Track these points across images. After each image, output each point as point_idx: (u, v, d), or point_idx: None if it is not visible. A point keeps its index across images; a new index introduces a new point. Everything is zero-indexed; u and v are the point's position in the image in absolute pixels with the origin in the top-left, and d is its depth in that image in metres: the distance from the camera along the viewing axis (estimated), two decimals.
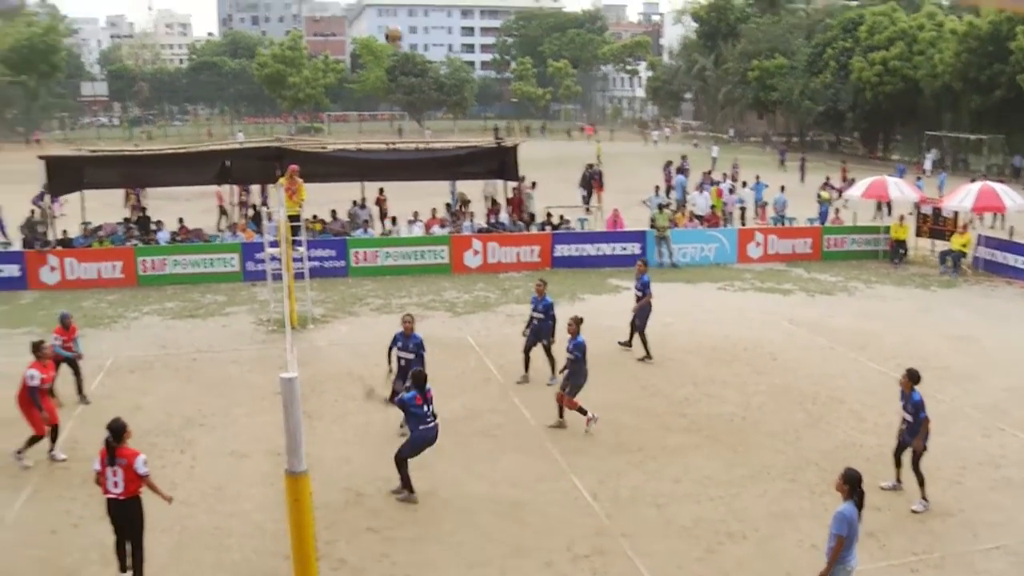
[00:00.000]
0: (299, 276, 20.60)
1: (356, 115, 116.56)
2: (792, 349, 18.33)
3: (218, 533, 10.09)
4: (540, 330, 16.60)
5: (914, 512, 11.92)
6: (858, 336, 19.98)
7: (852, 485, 8.86)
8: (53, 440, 13.35)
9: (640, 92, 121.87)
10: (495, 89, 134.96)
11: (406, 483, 12.18)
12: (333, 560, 10.58)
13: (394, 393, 13.13)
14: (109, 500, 9.81)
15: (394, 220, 28.37)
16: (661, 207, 28.42)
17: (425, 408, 12.05)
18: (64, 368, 15.31)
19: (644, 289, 18.00)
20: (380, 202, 31.25)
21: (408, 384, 12.34)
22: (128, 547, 9.94)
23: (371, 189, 30.38)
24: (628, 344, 18.56)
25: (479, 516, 11.82)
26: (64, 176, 26.91)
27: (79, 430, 14.19)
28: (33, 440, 13.07)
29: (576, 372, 14.45)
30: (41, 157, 27.03)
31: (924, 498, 12.02)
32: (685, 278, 25.44)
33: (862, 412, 15.20)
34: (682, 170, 40.93)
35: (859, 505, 8.83)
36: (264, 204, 30.99)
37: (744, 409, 15.28)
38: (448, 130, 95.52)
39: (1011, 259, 26.20)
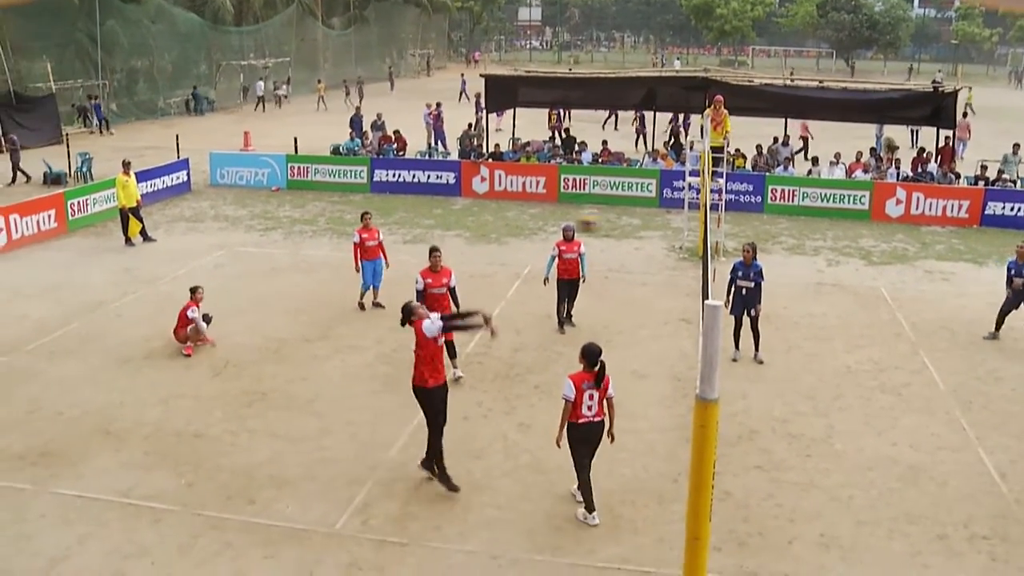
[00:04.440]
0: (715, 208, 20.67)
1: (781, 51, 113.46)
2: None
3: (612, 448, 10.52)
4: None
5: None
6: None
7: None
8: (451, 356, 13.41)
9: None
10: (933, 29, 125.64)
11: None
12: (719, 491, 10.58)
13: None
14: (583, 424, 9.96)
15: (815, 160, 27.56)
16: None
17: None
18: None
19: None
20: (803, 138, 30.68)
21: None
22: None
23: (794, 127, 29.65)
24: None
25: (873, 473, 11.41)
26: (501, 94, 28.72)
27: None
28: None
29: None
30: (483, 75, 29.03)
31: None
32: None
33: None
34: None
35: None
36: (685, 133, 31.39)
37: None
38: (877, 71, 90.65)
39: None
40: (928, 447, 12.15)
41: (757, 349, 14.77)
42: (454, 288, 13.71)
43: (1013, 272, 15.78)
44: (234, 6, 54.62)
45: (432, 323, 10.28)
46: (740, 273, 14.53)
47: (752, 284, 14.49)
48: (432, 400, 10.61)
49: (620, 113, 38.13)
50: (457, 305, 13.43)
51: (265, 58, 55.55)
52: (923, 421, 12.92)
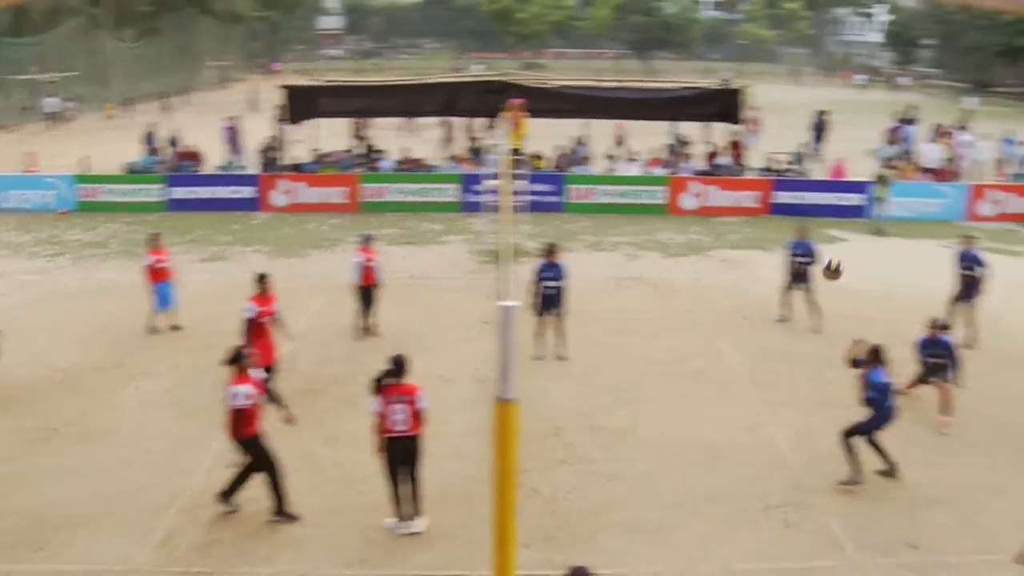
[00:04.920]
0: (515, 209, 20.89)
1: (580, 53, 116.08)
2: (1013, 312, 17.20)
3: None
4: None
5: None
6: None
7: None
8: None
9: (872, 37, 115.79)
10: (722, 30, 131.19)
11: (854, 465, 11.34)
12: (527, 488, 10.77)
13: None
14: (393, 438, 9.92)
15: (611, 158, 28.28)
16: (879, 177, 25.55)
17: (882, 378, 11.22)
18: None
19: (973, 264, 15.82)
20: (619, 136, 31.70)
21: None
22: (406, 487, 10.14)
23: (593, 126, 30.27)
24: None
25: (674, 458, 11.81)
26: (301, 104, 28.20)
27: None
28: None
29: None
30: (282, 86, 28.47)
31: None
32: (906, 232, 24.12)
33: None
34: (911, 120, 38.83)
35: None
36: (485, 137, 31.59)
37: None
38: (673, 71, 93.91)
39: None
40: (726, 428, 12.66)
41: (561, 347, 15.02)
42: (277, 314, 13.36)
43: (795, 253, 16.61)
44: (10, 16, 51.57)
45: (248, 390, 10.05)
46: (544, 273, 14.74)
47: (556, 283, 14.73)
48: (265, 444, 10.36)
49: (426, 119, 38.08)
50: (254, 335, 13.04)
51: (49, 72, 52.74)
52: (721, 404, 13.47)
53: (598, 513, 10.54)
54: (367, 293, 15.94)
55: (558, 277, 14.74)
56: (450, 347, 15.42)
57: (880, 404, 10.95)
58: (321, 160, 27.74)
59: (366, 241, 16.00)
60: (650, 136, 31.08)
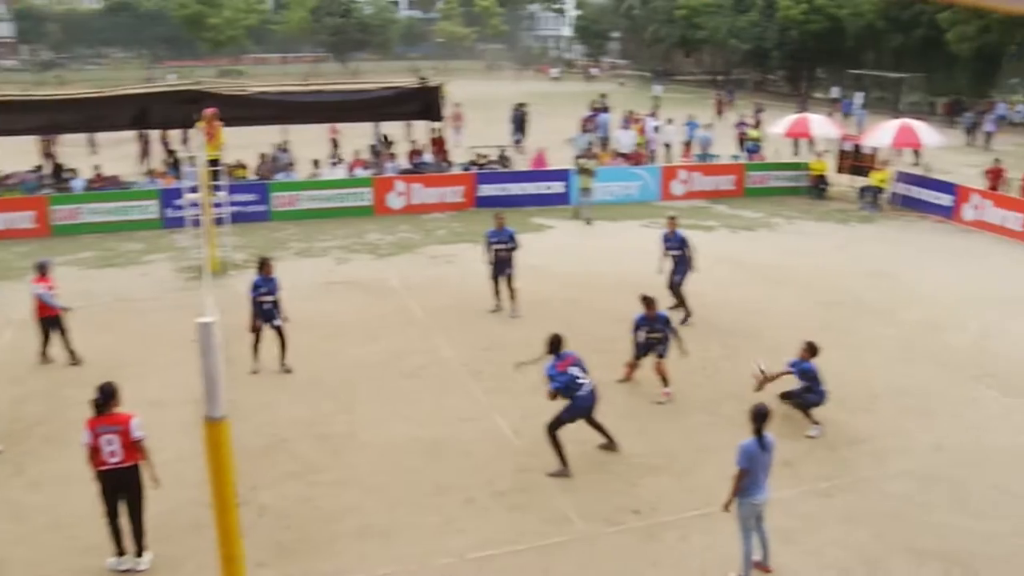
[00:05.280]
0: (219, 221, 20.34)
1: (279, 57, 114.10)
2: (713, 284, 18.52)
3: None
4: (506, 261, 16.93)
5: (811, 438, 12.39)
6: (778, 271, 20.37)
7: (754, 420, 9.03)
8: None
9: (567, 31, 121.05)
10: (420, 29, 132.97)
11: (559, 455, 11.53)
12: (255, 506, 10.58)
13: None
14: (106, 471, 9.37)
15: (316, 163, 27.98)
16: (583, 169, 25.98)
17: (572, 372, 11.38)
18: None
19: (682, 246, 16.78)
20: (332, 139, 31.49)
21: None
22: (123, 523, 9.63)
23: (294, 132, 29.83)
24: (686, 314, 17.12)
25: (401, 457, 11.91)
26: None
27: None
28: None
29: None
30: None
31: (815, 423, 12.55)
32: (609, 216, 25.47)
33: (780, 346, 15.37)
34: (605, 108, 40.90)
35: (761, 440, 9.00)
36: (182, 149, 30.49)
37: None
38: (374, 72, 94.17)
39: (926, 194, 26.80)
40: (450, 421, 12.91)
41: (283, 358, 14.72)
42: None
43: (493, 241, 17.10)
44: None
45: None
46: (259, 288, 14.40)
47: (271, 297, 14.46)
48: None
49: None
50: None
51: None
52: (442, 398, 13.70)
53: (331, 521, 10.46)
54: (49, 324, 14.98)
55: (273, 291, 14.50)
56: (161, 370, 14.76)
57: (570, 394, 11.28)
58: (1, 183, 25.71)
59: (42, 269, 14.96)
60: (357, 138, 31.08)
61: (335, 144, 33.03)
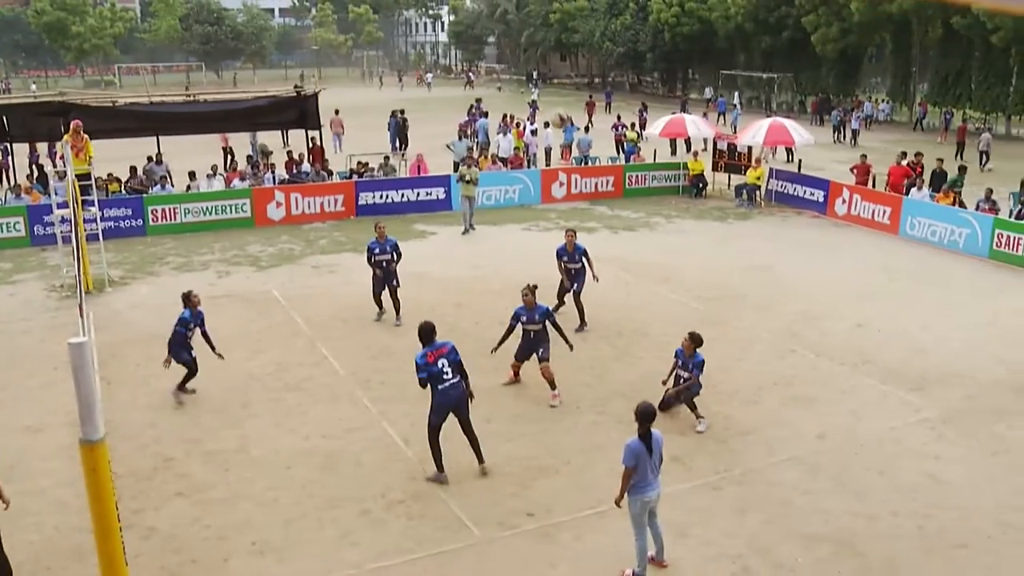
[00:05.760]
0: (92, 238, 19.72)
1: (149, 67, 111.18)
2: (597, 285, 18.73)
3: (13, 514, 9.55)
4: (389, 272, 16.99)
5: (699, 432, 12.65)
6: (660, 270, 20.74)
7: (641, 420, 9.16)
8: None
9: (444, 37, 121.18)
10: (295, 37, 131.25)
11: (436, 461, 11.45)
12: (142, 529, 10.27)
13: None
14: None
15: (192, 175, 27.33)
16: (465, 178, 25.20)
17: (439, 365, 11.22)
18: None
19: (583, 257, 16.82)
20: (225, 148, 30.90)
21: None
22: None
23: (167, 144, 29.13)
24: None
25: (293, 471, 11.73)
26: None
27: None
28: None
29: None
30: None
31: (700, 417, 12.78)
32: (491, 220, 25.55)
33: (665, 343, 15.63)
34: (484, 114, 41.12)
35: (646, 439, 9.11)
36: (52, 163, 29.49)
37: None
38: (249, 81, 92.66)
39: (800, 191, 27.65)
40: (339, 432, 12.77)
41: (183, 384, 14.18)
42: None
43: (375, 252, 17.01)
44: None
45: None
46: (191, 324, 13.95)
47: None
48: None
49: None
50: None
51: None
52: (331, 409, 13.54)
53: (223, 540, 10.22)
54: None
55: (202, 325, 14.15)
56: (36, 393, 14.19)
57: (434, 386, 11.20)
58: None
59: None
60: (237, 148, 30.57)
61: (229, 153, 32.43)
